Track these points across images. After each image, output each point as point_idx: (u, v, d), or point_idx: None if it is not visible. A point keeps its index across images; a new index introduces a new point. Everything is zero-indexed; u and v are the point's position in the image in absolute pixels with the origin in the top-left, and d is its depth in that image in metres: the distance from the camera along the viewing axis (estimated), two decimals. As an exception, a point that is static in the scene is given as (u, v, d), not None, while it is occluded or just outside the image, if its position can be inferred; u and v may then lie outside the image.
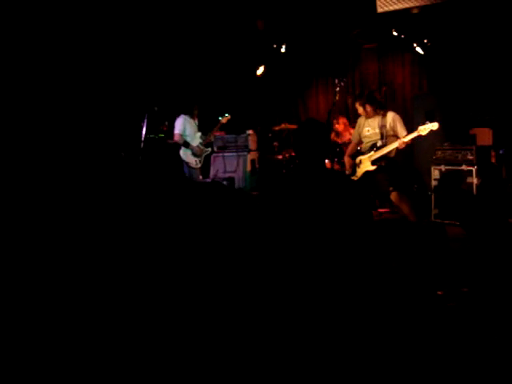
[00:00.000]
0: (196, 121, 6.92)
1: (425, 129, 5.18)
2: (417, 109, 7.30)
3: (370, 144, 5.44)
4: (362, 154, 5.52)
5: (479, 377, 2.46)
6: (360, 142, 5.66)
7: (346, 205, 2.77)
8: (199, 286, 2.55)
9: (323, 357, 2.40)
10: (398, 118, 5.46)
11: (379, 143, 5.34)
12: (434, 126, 5.18)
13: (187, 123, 6.74)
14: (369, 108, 5.51)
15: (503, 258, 3.50)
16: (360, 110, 5.57)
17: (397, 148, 5.38)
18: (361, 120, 5.72)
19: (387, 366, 2.45)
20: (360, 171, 5.48)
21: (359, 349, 2.47)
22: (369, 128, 5.51)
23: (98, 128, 6.52)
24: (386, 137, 5.34)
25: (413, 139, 5.29)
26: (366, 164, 5.42)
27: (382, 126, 5.37)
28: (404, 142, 5.18)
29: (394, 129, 5.35)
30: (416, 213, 5.28)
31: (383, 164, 5.34)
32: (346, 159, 5.78)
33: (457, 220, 5.62)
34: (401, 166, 5.56)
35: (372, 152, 5.37)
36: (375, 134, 5.42)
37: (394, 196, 5.22)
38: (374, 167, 5.35)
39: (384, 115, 5.44)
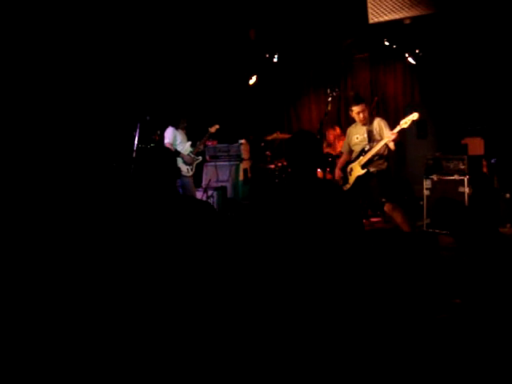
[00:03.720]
0: (184, 132, 6.93)
1: (406, 122, 5.23)
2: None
3: (359, 150, 5.46)
4: (353, 162, 5.52)
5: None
6: (350, 152, 5.65)
7: (336, 214, 2.76)
8: (192, 294, 2.53)
9: (313, 363, 2.39)
10: (383, 121, 5.50)
11: (367, 147, 5.37)
12: (414, 116, 5.24)
13: (177, 133, 6.77)
14: (368, 113, 5.54)
15: (494, 268, 3.50)
16: (366, 114, 5.47)
17: (387, 157, 5.43)
18: (350, 130, 5.72)
19: (378, 376, 2.43)
20: (352, 178, 5.49)
21: (349, 357, 2.45)
22: (358, 135, 5.52)
23: (90, 137, 6.50)
24: (374, 140, 5.38)
25: (399, 134, 5.32)
26: (356, 170, 5.44)
27: (370, 131, 5.40)
28: (391, 138, 5.21)
29: (380, 133, 5.38)
30: (409, 223, 5.28)
31: (375, 172, 5.35)
32: (337, 172, 5.76)
33: (448, 229, 5.62)
34: (393, 177, 5.55)
35: (361, 157, 5.39)
36: (364, 140, 5.44)
37: (387, 207, 5.22)
38: (363, 171, 5.37)
39: (371, 122, 5.48)
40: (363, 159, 5.37)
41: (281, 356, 2.40)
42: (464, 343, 2.82)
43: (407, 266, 3.55)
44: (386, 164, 5.46)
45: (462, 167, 5.97)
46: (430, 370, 2.53)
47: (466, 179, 5.87)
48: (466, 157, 6.04)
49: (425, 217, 6.17)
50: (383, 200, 5.20)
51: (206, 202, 3.23)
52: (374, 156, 5.34)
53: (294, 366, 2.38)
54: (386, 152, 5.42)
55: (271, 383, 2.36)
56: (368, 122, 5.48)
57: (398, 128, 5.24)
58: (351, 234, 2.81)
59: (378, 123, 5.46)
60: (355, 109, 5.50)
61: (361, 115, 5.46)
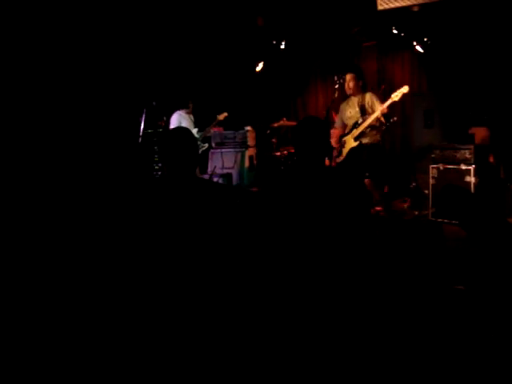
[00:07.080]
0: (192, 116, 6.93)
1: (397, 95, 5.52)
2: (416, 107, 7.32)
3: (352, 124, 5.76)
4: (346, 135, 5.77)
5: (476, 376, 2.46)
6: (344, 126, 5.88)
7: (344, 202, 2.76)
8: (198, 285, 2.54)
9: (322, 356, 2.40)
10: (375, 96, 5.79)
11: (360, 120, 5.67)
12: (405, 88, 5.52)
13: (182, 119, 6.78)
14: (361, 83, 5.80)
15: (501, 258, 3.50)
16: (352, 83, 5.75)
17: (380, 129, 5.71)
18: (342, 105, 5.98)
19: (385, 365, 2.44)
20: (345, 150, 5.80)
21: (357, 348, 2.46)
22: (350, 110, 5.82)
23: (96, 123, 6.51)
24: (366, 114, 5.68)
25: (389, 108, 5.59)
26: (349, 142, 5.77)
27: (362, 105, 5.70)
28: (384, 110, 5.50)
29: (372, 106, 5.70)
30: (385, 205, 5.71)
31: (368, 144, 5.65)
32: (333, 142, 5.89)
33: (454, 219, 5.62)
34: (385, 156, 5.82)
35: (354, 130, 5.68)
36: (357, 113, 5.73)
37: (367, 182, 5.52)
38: (356, 143, 5.67)
39: (363, 96, 5.75)
40: (356, 132, 5.65)
41: (289, 342, 2.42)
42: (470, 332, 2.83)
43: (412, 254, 3.56)
44: (379, 135, 5.74)
45: (469, 157, 5.95)
46: (432, 364, 2.55)
47: (472, 169, 5.85)
48: (472, 146, 6.01)
49: (430, 206, 6.16)
50: (366, 174, 5.42)
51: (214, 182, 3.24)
52: (366, 128, 5.61)
53: (302, 351, 2.39)
54: (378, 124, 5.67)
55: (273, 381, 2.37)
56: (355, 92, 5.76)
57: (389, 101, 5.53)
58: (358, 223, 2.81)
59: (370, 97, 5.73)
60: (347, 76, 5.82)
61: (350, 84, 5.76)
